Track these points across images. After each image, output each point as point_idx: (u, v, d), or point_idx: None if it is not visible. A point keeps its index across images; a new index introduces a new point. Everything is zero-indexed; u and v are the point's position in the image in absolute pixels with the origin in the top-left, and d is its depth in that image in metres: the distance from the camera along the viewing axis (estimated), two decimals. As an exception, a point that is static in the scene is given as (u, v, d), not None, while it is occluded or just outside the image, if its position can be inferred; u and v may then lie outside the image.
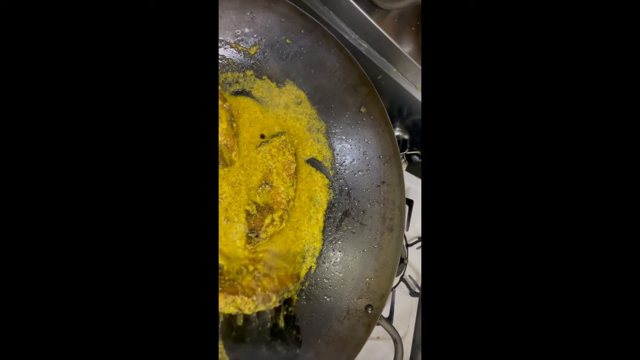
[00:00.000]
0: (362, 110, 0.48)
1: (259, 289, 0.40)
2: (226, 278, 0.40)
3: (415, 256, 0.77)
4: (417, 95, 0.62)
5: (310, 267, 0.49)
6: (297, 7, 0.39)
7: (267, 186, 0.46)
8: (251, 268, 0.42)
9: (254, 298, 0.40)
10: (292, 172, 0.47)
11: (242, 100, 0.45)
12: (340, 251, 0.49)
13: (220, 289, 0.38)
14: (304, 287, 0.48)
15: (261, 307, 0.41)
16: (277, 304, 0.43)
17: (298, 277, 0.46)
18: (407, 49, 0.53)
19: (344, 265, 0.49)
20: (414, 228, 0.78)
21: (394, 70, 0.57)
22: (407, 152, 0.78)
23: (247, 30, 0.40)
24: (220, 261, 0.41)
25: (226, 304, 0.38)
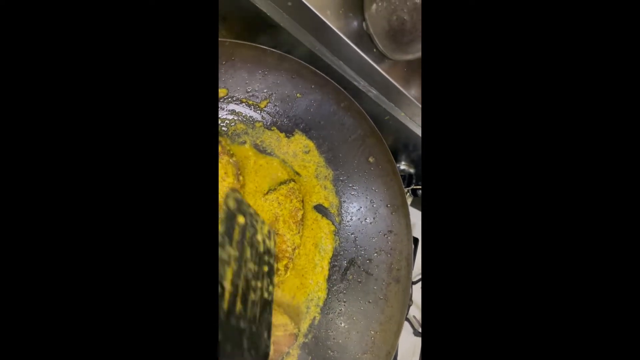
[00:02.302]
0: (371, 160, 0.47)
1: None
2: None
3: (420, 294, 0.75)
4: (425, 137, 0.62)
5: (314, 318, 0.47)
6: (308, 65, 0.40)
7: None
8: None
9: None
10: (298, 219, 0.47)
11: (248, 150, 0.45)
12: (345, 301, 0.48)
13: None
14: (307, 340, 0.46)
15: None
16: None
17: (296, 336, 0.45)
18: (414, 94, 0.53)
19: (349, 317, 0.48)
20: (420, 264, 0.77)
21: (402, 114, 0.58)
22: (412, 186, 0.78)
23: (257, 86, 0.41)
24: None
25: None
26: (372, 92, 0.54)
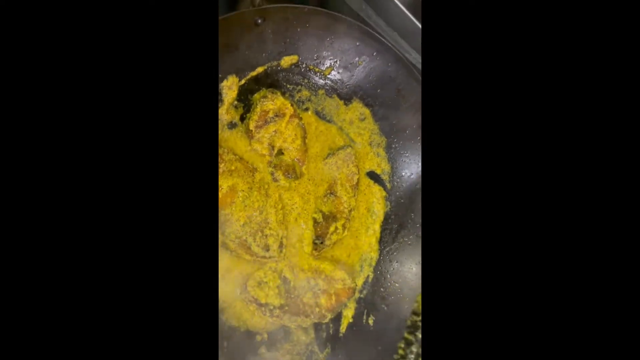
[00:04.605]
0: (424, 127, 0.50)
1: (317, 309, 0.45)
2: (292, 296, 0.45)
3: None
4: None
5: (368, 276, 0.51)
6: (373, 32, 0.42)
7: (331, 196, 0.48)
8: (312, 283, 0.46)
9: (312, 317, 0.45)
10: (354, 183, 0.50)
11: (311, 116, 0.49)
12: (396, 262, 0.51)
13: (286, 308, 0.44)
14: (362, 296, 0.50)
15: (316, 321, 0.46)
16: (332, 316, 0.47)
17: (354, 291, 0.48)
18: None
19: (400, 276, 0.51)
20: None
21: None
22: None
23: (324, 53, 0.44)
24: (289, 275, 0.44)
25: (290, 322, 0.45)
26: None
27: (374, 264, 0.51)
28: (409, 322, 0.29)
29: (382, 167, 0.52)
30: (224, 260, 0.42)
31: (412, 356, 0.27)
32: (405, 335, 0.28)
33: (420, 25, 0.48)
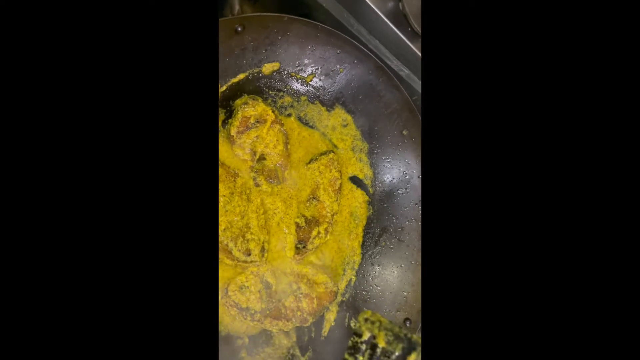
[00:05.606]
0: (404, 133, 0.51)
1: (298, 313, 0.46)
2: (274, 300, 0.45)
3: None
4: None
5: (350, 280, 0.51)
6: (353, 41, 0.43)
7: (314, 200, 0.49)
8: (294, 287, 0.46)
9: (293, 320, 0.46)
10: (337, 188, 0.50)
11: (293, 122, 0.49)
12: (378, 265, 0.52)
13: (268, 312, 0.44)
14: (344, 299, 0.50)
15: (298, 325, 0.46)
16: (313, 320, 0.47)
17: (336, 294, 0.49)
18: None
19: (382, 279, 0.52)
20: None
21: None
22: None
23: (306, 61, 0.45)
24: (271, 280, 0.45)
25: (271, 326, 0.45)
26: (404, 72, 0.57)
27: (356, 267, 0.52)
28: (350, 343, 0.27)
29: (364, 172, 0.53)
30: (205, 265, 0.43)
31: None
32: (346, 356, 0.27)
33: (400, 34, 0.50)
